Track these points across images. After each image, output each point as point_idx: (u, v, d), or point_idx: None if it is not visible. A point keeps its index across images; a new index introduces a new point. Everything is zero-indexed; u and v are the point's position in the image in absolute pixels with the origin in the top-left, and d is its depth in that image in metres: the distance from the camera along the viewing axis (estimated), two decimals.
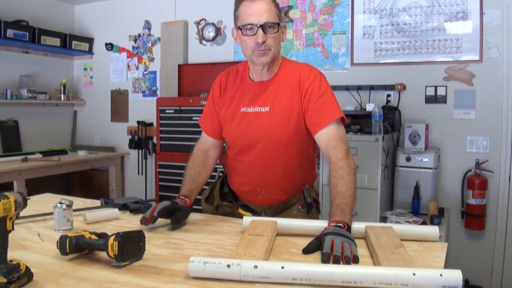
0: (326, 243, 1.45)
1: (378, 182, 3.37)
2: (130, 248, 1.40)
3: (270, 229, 1.65)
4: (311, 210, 2.10)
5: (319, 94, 1.92)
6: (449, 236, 3.77)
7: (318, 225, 1.71)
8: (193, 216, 2.05)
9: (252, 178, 2.09)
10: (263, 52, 1.87)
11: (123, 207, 2.15)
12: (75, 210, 1.95)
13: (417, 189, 3.64)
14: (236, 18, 1.93)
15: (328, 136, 1.89)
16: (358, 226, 1.68)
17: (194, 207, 2.05)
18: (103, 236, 1.49)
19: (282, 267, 1.23)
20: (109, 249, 1.38)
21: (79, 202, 2.31)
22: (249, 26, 1.85)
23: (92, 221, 1.94)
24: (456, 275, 1.18)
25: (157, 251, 1.55)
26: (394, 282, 1.19)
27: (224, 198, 2.24)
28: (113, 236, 1.39)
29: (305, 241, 1.63)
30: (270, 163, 2.03)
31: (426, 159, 3.68)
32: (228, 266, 1.25)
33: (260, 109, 1.99)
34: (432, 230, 1.66)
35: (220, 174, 2.39)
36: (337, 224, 1.59)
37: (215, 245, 1.62)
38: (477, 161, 3.75)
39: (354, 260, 1.40)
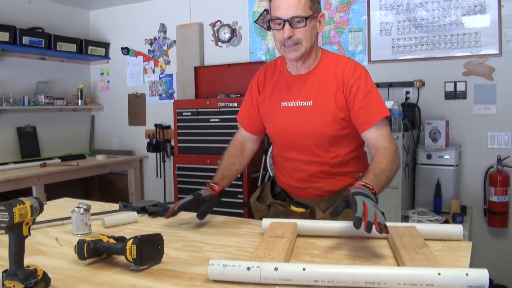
0: (359, 206, 1.41)
1: (399, 180, 3.32)
2: (148, 252, 1.38)
3: (290, 230, 1.61)
4: None
5: (366, 92, 1.87)
6: (471, 234, 3.70)
7: (340, 225, 1.67)
8: (213, 218, 2.04)
9: (299, 174, 2.04)
10: (292, 48, 1.83)
11: (142, 210, 2.12)
12: (93, 214, 1.93)
13: (438, 187, 3.58)
14: (269, 11, 1.89)
15: (376, 135, 1.86)
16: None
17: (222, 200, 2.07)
18: (121, 240, 1.47)
19: (304, 269, 1.20)
20: (128, 253, 1.35)
21: (97, 206, 2.30)
22: (277, 20, 1.82)
23: (110, 224, 1.92)
24: (482, 274, 1.14)
25: (176, 254, 1.53)
26: (419, 282, 1.15)
27: (276, 198, 2.18)
28: (132, 240, 1.36)
29: (327, 242, 1.60)
30: (316, 158, 1.98)
31: (447, 156, 3.62)
32: (248, 268, 1.22)
33: (303, 103, 1.94)
34: (456, 229, 1.61)
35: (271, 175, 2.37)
36: (367, 185, 1.57)
37: (234, 247, 1.60)
38: (498, 157, 3.69)
39: (386, 229, 1.37)
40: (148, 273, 1.35)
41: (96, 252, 1.43)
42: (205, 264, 1.29)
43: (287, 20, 1.78)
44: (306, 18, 1.79)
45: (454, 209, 3.48)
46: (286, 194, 2.16)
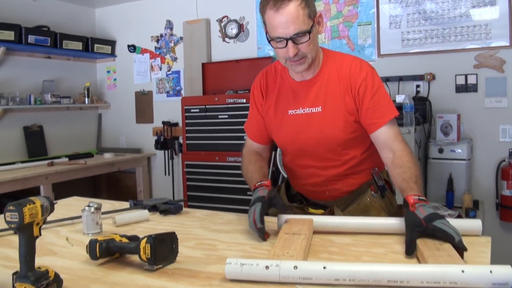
0: (450, 231, 1.35)
1: None
2: (163, 251, 1.35)
3: (306, 227, 1.58)
4: (385, 193, 1.96)
5: (373, 92, 1.81)
6: (484, 229, 3.65)
7: (355, 221, 1.65)
8: (226, 216, 2.01)
9: (315, 179, 1.98)
10: (298, 62, 1.75)
11: (153, 208, 2.09)
12: (103, 213, 1.91)
13: (450, 181, 3.54)
14: (263, 22, 1.76)
15: (389, 135, 1.80)
16: (396, 222, 1.60)
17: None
18: (134, 239, 1.45)
19: (324, 267, 1.17)
20: (141, 252, 1.32)
21: (107, 204, 2.27)
22: (277, 39, 1.70)
23: (122, 223, 1.89)
24: (507, 272, 1.10)
25: (191, 253, 1.49)
26: (443, 280, 1.12)
27: (292, 201, 2.11)
28: (145, 239, 1.33)
29: (343, 239, 1.57)
30: (331, 162, 1.92)
31: (459, 150, 3.58)
32: (267, 267, 1.19)
33: (312, 110, 1.87)
34: (475, 224, 1.57)
35: (285, 176, 2.30)
36: (421, 198, 1.52)
37: (250, 245, 1.56)
38: (510, 150, 3.65)
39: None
40: (163, 272, 1.32)
41: (108, 252, 1.40)
42: (221, 263, 1.26)
43: (290, 39, 1.68)
44: (309, 31, 1.69)
45: (467, 204, 3.44)
46: (302, 196, 2.10)
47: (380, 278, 1.15)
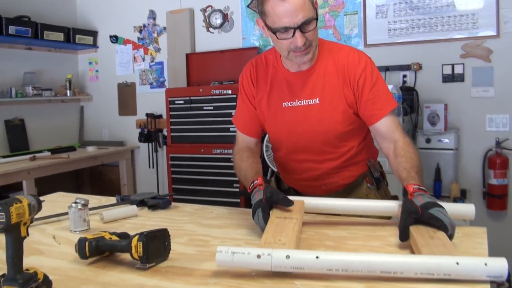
0: (445, 221, 1.31)
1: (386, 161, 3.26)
2: (155, 248, 1.31)
3: (297, 210, 1.57)
4: (381, 185, 1.94)
5: (373, 83, 1.76)
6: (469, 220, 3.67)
7: (345, 203, 1.65)
8: (216, 210, 1.97)
9: (311, 173, 1.93)
10: (304, 52, 1.68)
11: (141, 203, 2.04)
12: (90, 209, 1.86)
13: (438, 171, 3.54)
14: (262, 13, 1.65)
15: (389, 127, 1.76)
16: (389, 204, 1.60)
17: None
18: (124, 236, 1.41)
19: (317, 257, 1.15)
20: (133, 251, 1.28)
21: (93, 200, 2.21)
22: (283, 30, 1.62)
23: (110, 220, 1.85)
24: (501, 264, 1.09)
25: (183, 249, 1.46)
26: (437, 272, 1.10)
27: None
28: (137, 236, 1.29)
29: (339, 232, 1.55)
30: (328, 155, 1.87)
31: (447, 140, 3.58)
32: (258, 256, 1.16)
33: (309, 102, 1.80)
34: (468, 209, 1.55)
35: (274, 170, 2.23)
36: (421, 187, 1.48)
37: (243, 240, 1.53)
38: (497, 139, 3.66)
39: None
40: (156, 271, 1.28)
41: (98, 251, 1.36)
42: (215, 260, 1.22)
43: (298, 27, 1.60)
44: (316, 18, 1.63)
45: (455, 193, 3.45)
46: (295, 191, 2.05)
47: (373, 268, 1.13)
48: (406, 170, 1.59)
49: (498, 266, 1.09)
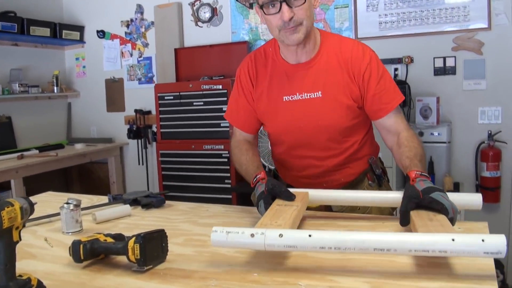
0: (446, 204, 1.29)
1: (392, 159, 3.24)
2: (152, 250, 1.27)
3: (300, 199, 1.55)
4: (382, 181, 1.91)
5: (378, 77, 1.72)
6: (464, 211, 3.66)
7: (350, 195, 1.64)
8: (211, 208, 1.93)
9: (312, 170, 1.88)
10: (293, 29, 1.63)
11: (134, 202, 2.01)
12: (82, 209, 1.81)
13: (431, 164, 3.52)
14: None
15: (395, 120, 1.74)
16: (393, 196, 1.57)
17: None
18: (119, 237, 1.37)
19: (310, 235, 1.14)
20: (130, 253, 1.25)
21: (85, 199, 2.17)
22: (270, 4, 1.60)
23: (102, 220, 1.81)
24: (499, 241, 1.05)
25: (181, 250, 1.42)
26: (432, 249, 1.08)
27: None
28: (134, 238, 1.25)
29: (341, 226, 1.52)
30: (331, 152, 1.83)
31: (439, 133, 3.57)
32: (252, 235, 1.18)
33: (310, 95, 1.75)
34: (475, 198, 1.51)
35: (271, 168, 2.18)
36: (423, 173, 1.45)
37: None
38: (489, 132, 3.64)
39: None
40: (154, 273, 1.25)
41: (93, 253, 1.32)
42: (214, 261, 1.21)
43: (284, 0, 1.57)
44: None
45: (448, 186, 3.44)
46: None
47: (366, 246, 1.12)
48: (409, 158, 1.56)
49: (496, 242, 1.05)
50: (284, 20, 1.60)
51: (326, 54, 1.76)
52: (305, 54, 1.77)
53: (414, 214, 1.32)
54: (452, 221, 1.28)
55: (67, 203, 1.68)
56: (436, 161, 3.54)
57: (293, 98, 1.79)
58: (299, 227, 1.51)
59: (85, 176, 5.72)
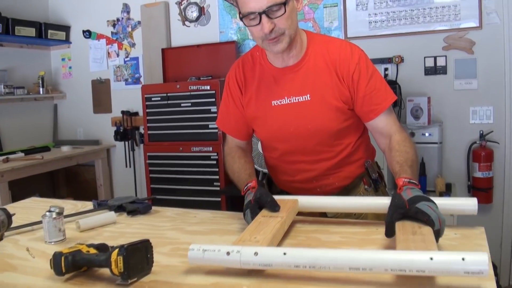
0: (433, 216, 1.23)
1: (383, 161, 3.19)
2: (137, 262, 1.21)
3: (287, 208, 1.51)
4: (379, 186, 1.85)
5: (368, 77, 1.67)
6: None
7: (341, 201, 1.60)
8: (199, 214, 1.88)
9: (304, 175, 1.84)
10: (275, 39, 1.59)
11: (119, 208, 1.95)
12: (65, 217, 1.75)
13: (422, 165, 3.47)
14: (235, 2, 1.62)
15: (387, 122, 1.69)
16: (381, 202, 1.52)
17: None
18: (103, 248, 1.31)
19: (284, 253, 1.13)
20: (113, 266, 1.18)
21: (69, 205, 2.12)
22: (250, 16, 1.55)
23: (86, 228, 1.74)
24: (481, 259, 1.00)
25: (167, 261, 1.36)
26: (409, 268, 1.04)
27: None
28: (117, 250, 1.19)
29: (331, 237, 1.47)
30: (323, 155, 1.79)
31: (431, 134, 3.52)
32: (228, 253, 1.17)
33: (299, 99, 1.71)
34: (470, 203, 1.46)
35: (265, 173, 2.13)
36: (411, 181, 1.41)
37: None
38: (481, 132, 3.61)
39: None
40: (139, 287, 1.19)
41: (75, 266, 1.25)
42: (202, 272, 1.16)
43: (263, 12, 1.52)
44: (284, 3, 1.53)
45: (440, 188, 3.40)
46: (288, 194, 1.93)
47: (341, 265, 1.09)
48: (399, 164, 1.53)
49: (477, 260, 1.00)
50: (264, 33, 1.56)
51: (314, 56, 1.72)
52: (292, 58, 1.73)
53: (399, 226, 1.28)
54: (439, 233, 1.23)
55: (49, 211, 1.61)
56: (427, 162, 3.49)
57: (282, 102, 1.75)
58: (286, 235, 1.47)
59: (72, 179, 5.64)
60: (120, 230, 1.72)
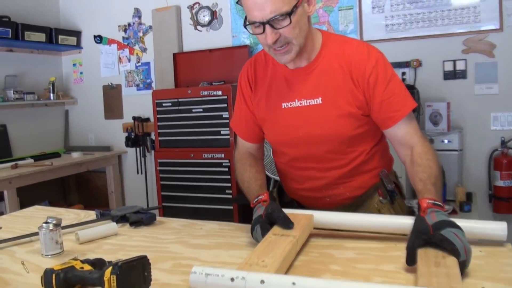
0: (458, 245, 1.12)
1: (402, 169, 3.07)
2: (132, 282, 1.12)
3: (300, 226, 1.39)
4: (395, 198, 1.71)
5: (386, 81, 1.55)
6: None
7: (361, 219, 1.47)
8: (205, 226, 1.77)
9: (314, 183, 1.73)
10: (283, 51, 1.49)
11: (122, 219, 1.85)
12: (66, 227, 1.68)
13: (442, 174, 3.33)
14: (242, 6, 1.51)
15: (407, 131, 1.57)
16: (402, 221, 1.40)
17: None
18: (99, 263, 1.23)
19: (293, 283, 1.03)
20: (106, 285, 1.09)
21: (71, 215, 2.05)
22: (255, 24, 1.46)
23: (86, 240, 1.65)
24: None
25: (167, 278, 1.26)
26: None
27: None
28: (110, 268, 1.10)
29: (346, 253, 1.35)
30: (334, 163, 1.67)
31: (450, 141, 3.41)
32: (232, 279, 1.08)
33: (310, 102, 1.60)
34: (498, 228, 1.33)
35: (276, 180, 2.02)
36: (436, 203, 1.29)
37: (236, 264, 1.30)
38: (502, 139, 3.50)
39: None
40: None
41: (67, 284, 1.17)
42: None
43: (267, 23, 1.43)
44: (290, 13, 1.41)
45: (460, 197, 3.27)
46: (298, 203, 1.85)
47: None
48: (422, 181, 1.41)
49: None
50: (268, 44, 1.47)
51: (328, 57, 1.61)
52: (304, 60, 1.63)
53: (421, 254, 1.16)
54: (465, 265, 1.12)
55: (46, 222, 1.53)
56: (447, 170, 3.36)
57: (292, 105, 1.65)
58: (299, 252, 1.36)
59: (83, 186, 5.59)
60: (121, 242, 1.63)
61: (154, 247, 1.52)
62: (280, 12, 1.40)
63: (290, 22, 1.43)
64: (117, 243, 1.62)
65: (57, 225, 1.53)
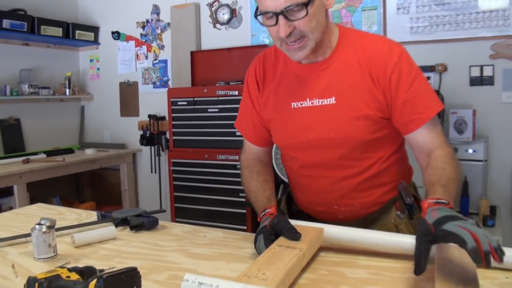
0: (464, 235, 0.97)
1: (422, 179, 2.94)
2: None
3: (308, 239, 1.26)
4: (414, 213, 1.55)
5: (410, 80, 1.39)
6: (502, 238, 3.33)
7: (377, 237, 1.31)
8: (210, 233, 1.66)
9: (324, 196, 1.58)
10: (296, 46, 1.35)
11: (123, 222, 1.76)
12: (61, 229, 1.61)
13: (465, 185, 3.20)
14: None
15: (430, 136, 1.42)
16: None
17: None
18: (88, 272, 1.13)
19: None
20: None
21: (73, 215, 1.97)
22: (268, 14, 1.32)
23: (82, 244, 1.56)
24: None
25: None
26: None
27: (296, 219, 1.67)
28: (95, 281, 0.99)
29: (357, 272, 1.23)
30: (347, 171, 1.52)
31: (475, 150, 3.24)
32: None
33: (322, 102, 1.45)
34: None
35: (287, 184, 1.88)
36: (439, 200, 1.16)
37: None
38: None
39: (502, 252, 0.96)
40: None
41: None
42: None
43: (281, 13, 1.29)
44: (306, 4, 1.28)
45: (484, 210, 3.11)
46: (308, 215, 1.72)
47: None
48: (430, 183, 1.28)
49: None
50: (281, 36, 1.33)
51: (345, 53, 1.46)
52: (320, 55, 1.48)
53: (440, 280, 1.02)
54: (474, 253, 0.95)
55: (39, 224, 1.44)
56: (471, 181, 3.21)
57: (303, 105, 1.50)
58: (305, 265, 1.24)
59: (97, 183, 5.54)
60: (118, 248, 1.53)
61: (152, 255, 1.42)
62: (296, 1, 1.26)
63: (307, 13, 1.29)
64: (114, 248, 1.53)
65: (51, 227, 1.44)
